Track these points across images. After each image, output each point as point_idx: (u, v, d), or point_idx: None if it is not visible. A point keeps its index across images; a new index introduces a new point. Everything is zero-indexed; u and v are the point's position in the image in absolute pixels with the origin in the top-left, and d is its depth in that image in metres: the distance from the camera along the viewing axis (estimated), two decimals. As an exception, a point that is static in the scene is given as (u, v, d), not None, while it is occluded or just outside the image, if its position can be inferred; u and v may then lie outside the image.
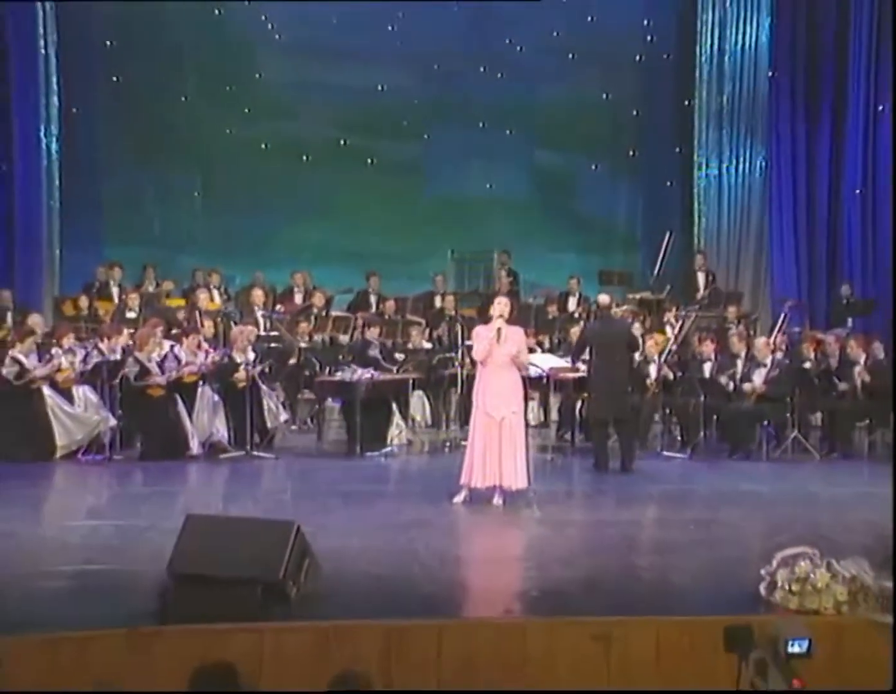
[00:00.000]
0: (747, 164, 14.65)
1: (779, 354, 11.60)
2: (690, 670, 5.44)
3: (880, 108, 13.42)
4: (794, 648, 4.47)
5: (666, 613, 6.01)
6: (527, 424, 11.73)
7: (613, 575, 7.04)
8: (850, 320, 13.06)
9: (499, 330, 8.43)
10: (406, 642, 5.67)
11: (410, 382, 11.41)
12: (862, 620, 6.02)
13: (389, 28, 14.84)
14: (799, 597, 6.06)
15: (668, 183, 15.26)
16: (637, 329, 11.52)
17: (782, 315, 12.05)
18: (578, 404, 11.50)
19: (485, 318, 10.33)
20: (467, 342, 11.00)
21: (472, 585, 6.99)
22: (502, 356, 8.46)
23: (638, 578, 6.95)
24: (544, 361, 10.99)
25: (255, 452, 10.58)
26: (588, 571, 7.11)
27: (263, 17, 14.78)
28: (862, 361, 11.15)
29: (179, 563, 5.90)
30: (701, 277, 13.78)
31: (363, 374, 10.81)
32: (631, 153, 15.42)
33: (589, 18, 14.99)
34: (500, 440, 8.44)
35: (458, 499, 8.53)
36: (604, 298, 11.62)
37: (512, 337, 8.55)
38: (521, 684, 5.67)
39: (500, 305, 8.67)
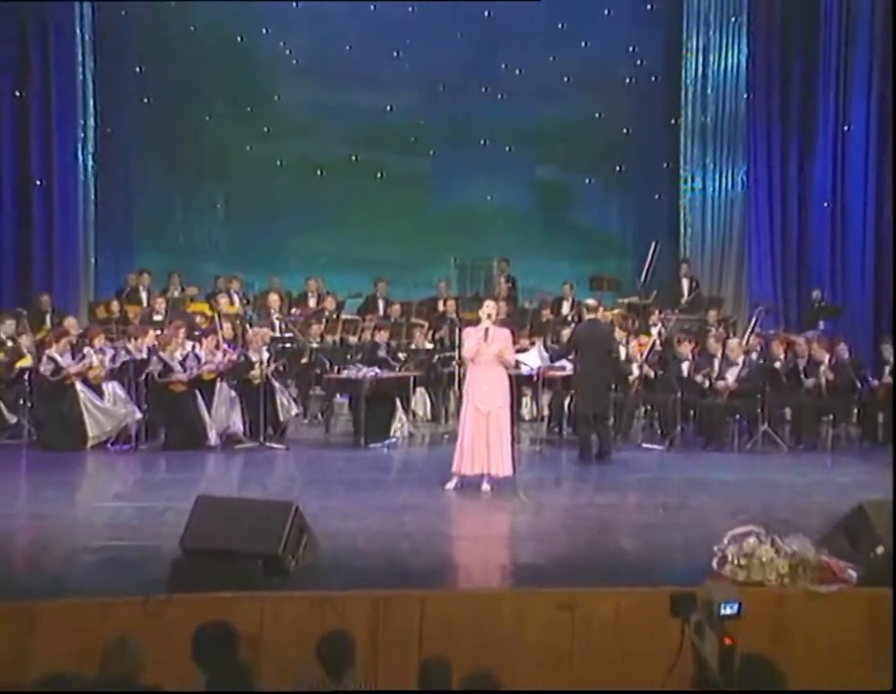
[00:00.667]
0: (729, 179, 14.64)
1: (753, 355, 11.58)
2: (644, 635, 5.61)
3: (845, 128, 13.44)
4: (727, 610, 4.63)
5: (627, 585, 6.16)
6: (521, 419, 12.02)
7: (582, 552, 7.25)
8: (821, 323, 12.99)
9: (486, 330, 8.60)
10: (391, 610, 5.85)
11: (412, 379, 11.44)
12: (801, 590, 6.18)
13: (397, 53, 14.87)
14: (746, 570, 6.23)
15: (657, 196, 15.29)
16: (617, 332, 11.43)
17: (753, 318, 12.16)
18: (567, 400, 11.43)
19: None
20: (465, 343, 11.19)
21: (455, 560, 7.16)
22: (489, 355, 8.58)
23: (604, 555, 7.11)
24: (534, 360, 10.98)
25: (268, 443, 10.67)
26: (560, 548, 7.34)
27: (282, 44, 14.77)
28: (826, 360, 11.12)
29: (190, 539, 6.11)
30: (685, 284, 13.77)
31: (367, 372, 10.88)
32: (622, 168, 15.34)
33: (583, 44, 14.93)
34: (487, 431, 8.54)
35: (450, 485, 8.67)
36: (590, 303, 11.68)
37: (498, 337, 8.66)
38: (494, 649, 5.79)
39: (488, 308, 8.83)
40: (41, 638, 5.37)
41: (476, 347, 8.58)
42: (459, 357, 11.26)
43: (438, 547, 7.17)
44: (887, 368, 11.24)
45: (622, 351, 11.36)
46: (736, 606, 4.73)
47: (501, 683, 4.71)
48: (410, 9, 14.71)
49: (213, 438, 10.59)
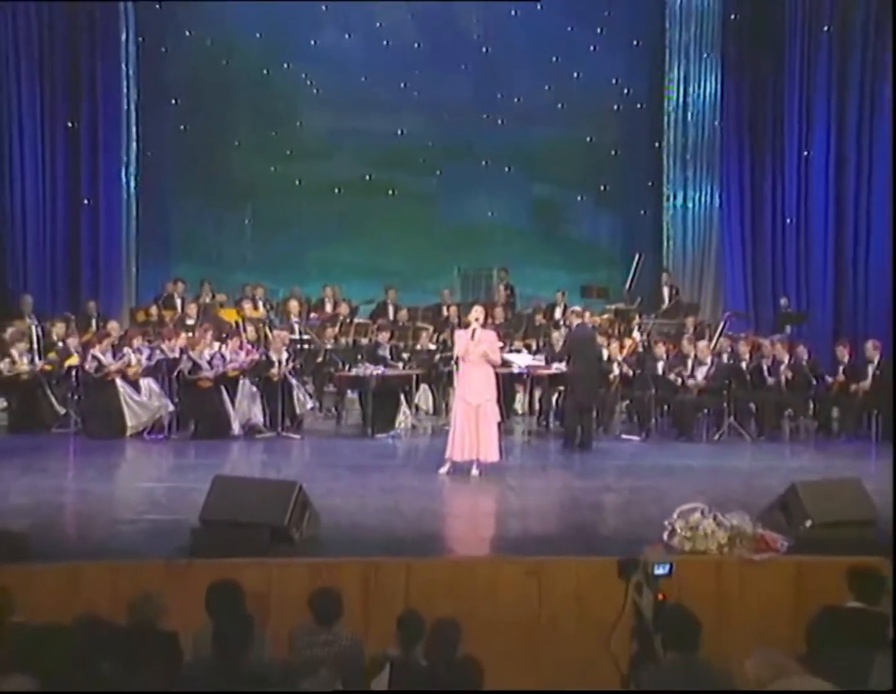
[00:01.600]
0: (707, 197, 14.62)
1: (724, 356, 11.60)
2: (598, 595, 5.75)
3: (806, 153, 13.47)
4: (660, 571, 4.97)
5: (587, 554, 6.37)
6: (515, 412, 12.15)
7: (552, 527, 7.52)
8: (787, 328, 12.95)
9: (473, 332, 8.72)
10: (380, 575, 6.09)
11: (415, 376, 11.42)
12: (738, 558, 6.40)
13: (405, 84, 14.80)
14: (691, 541, 6.44)
15: (642, 212, 15.21)
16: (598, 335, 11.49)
17: (722, 323, 12.26)
18: (554, 396, 11.58)
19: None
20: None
21: (440, 533, 7.37)
22: (477, 354, 8.71)
23: (571, 529, 7.34)
24: (523, 361, 11.09)
25: (285, 434, 10.74)
26: (534, 523, 7.61)
27: (303, 76, 14.70)
28: (786, 361, 11.21)
29: (207, 512, 6.34)
30: (666, 291, 13.74)
31: (373, 370, 10.92)
32: (607, 187, 15.26)
33: (575, 75, 14.91)
34: (476, 422, 8.67)
35: (443, 470, 8.80)
36: (576, 309, 11.97)
37: (484, 338, 8.80)
38: (470, 608, 5.86)
39: (476, 313, 8.95)
40: (84, 592, 5.63)
41: (465, 346, 8.74)
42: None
43: (426, 522, 7.37)
44: (841, 368, 11.27)
45: (604, 352, 11.36)
46: (667, 567, 5.06)
47: (464, 629, 4.82)
48: (416, 45, 14.74)
49: (236, 428, 10.66)
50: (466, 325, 9.08)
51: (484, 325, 9.06)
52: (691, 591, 6.10)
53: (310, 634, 4.80)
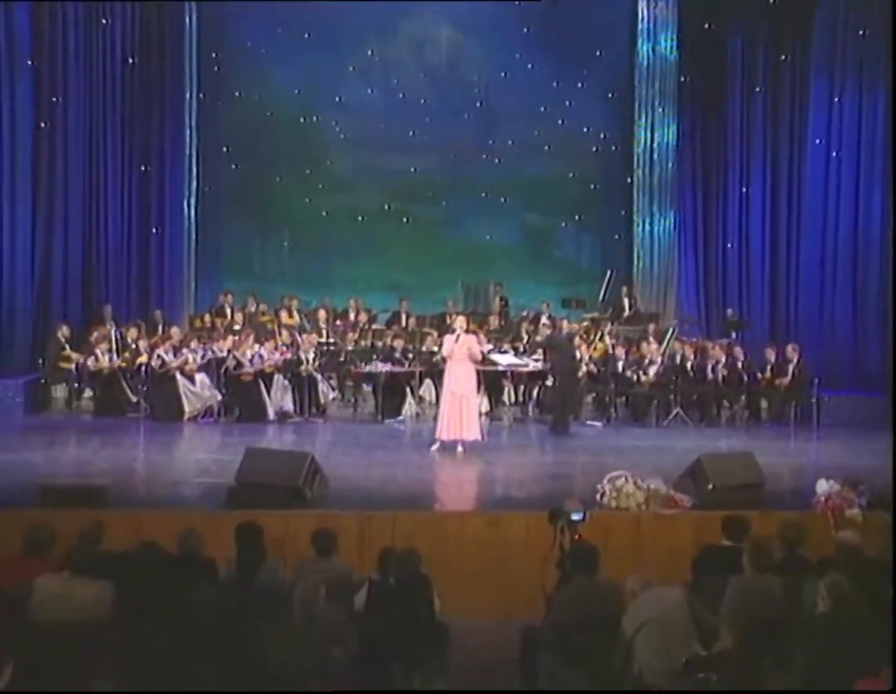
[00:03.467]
0: (668, 224, 14.60)
1: (678, 357, 11.75)
2: (539, 538, 5.91)
3: (745, 189, 13.58)
4: (575, 517, 5.52)
5: (534, 509, 6.75)
6: (503, 403, 12.19)
7: (515, 490, 8.03)
8: (733, 334, 12.86)
9: (458, 336, 9.16)
10: (372, 524, 6.71)
11: (419, 373, 11.46)
12: (652, 513, 7.01)
13: (413, 133, 14.71)
14: (616, 500, 7.09)
15: (616, 236, 15.07)
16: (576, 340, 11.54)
17: (671, 330, 12.39)
18: (535, 390, 11.79)
19: (472, 329, 10.99)
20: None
21: (423, 494, 7.80)
22: (461, 353, 9.15)
23: (526, 491, 7.90)
24: (505, 360, 11.30)
25: (311, 419, 10.99)
26: (500, 487, 8.18)
27: (333, 123, 14.56)
28: (724, 360, 11.53)
29: (241, 475, 6.96)
30: (626, 302, 13.71)
31: (383, 367, 11.15)
32: (589, 215, 15.15)
33: (560, 122, 14.79)
34: (460, 409, 9.12)
35: (434, 447, 9.25)
36: (546, 321, 12.38)
37: (467, 341, 9.20)
38: (441, 551, 6.45)
39: (460, 321, 9.45)
40: (147, 531, 6.09)
41: (451, 348, 9.17)
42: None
43: (414, 486, 7.92)
44: (769, 367, 11.56)
45: (577, 353, 11.48)
46: (581, 515, 5.60)
47: (436, 564, 5.47)
48: (423, 100, 14.75)
49: (271, 414, 10.90)
50: (453, 331, 9.43)
51: (467, 331, 9.46)
52: (616, 538, 6.74)
53: (312, 563, 5.38)
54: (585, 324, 13.16)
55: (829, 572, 4.82)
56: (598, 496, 7.16)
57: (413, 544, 5.72)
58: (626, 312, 13.60)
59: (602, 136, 15.08)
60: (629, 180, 14.91)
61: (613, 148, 15.06)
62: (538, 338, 12.17)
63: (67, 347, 11.60)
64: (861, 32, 12.26)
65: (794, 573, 5.29)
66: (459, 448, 9.18)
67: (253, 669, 3.91)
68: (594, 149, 15.09)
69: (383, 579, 5.23)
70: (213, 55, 14.08)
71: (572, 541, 5.48)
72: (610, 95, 14.99)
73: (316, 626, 4.44)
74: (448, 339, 9.36)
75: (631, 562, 6.27)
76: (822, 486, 7.18)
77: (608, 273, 13.94)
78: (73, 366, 11.52)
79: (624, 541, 6.71)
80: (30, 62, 11.68)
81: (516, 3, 14.48)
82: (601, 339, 12.64)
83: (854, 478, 7.25)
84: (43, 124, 12.09)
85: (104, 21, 12.55)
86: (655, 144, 14.61)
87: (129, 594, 4.54)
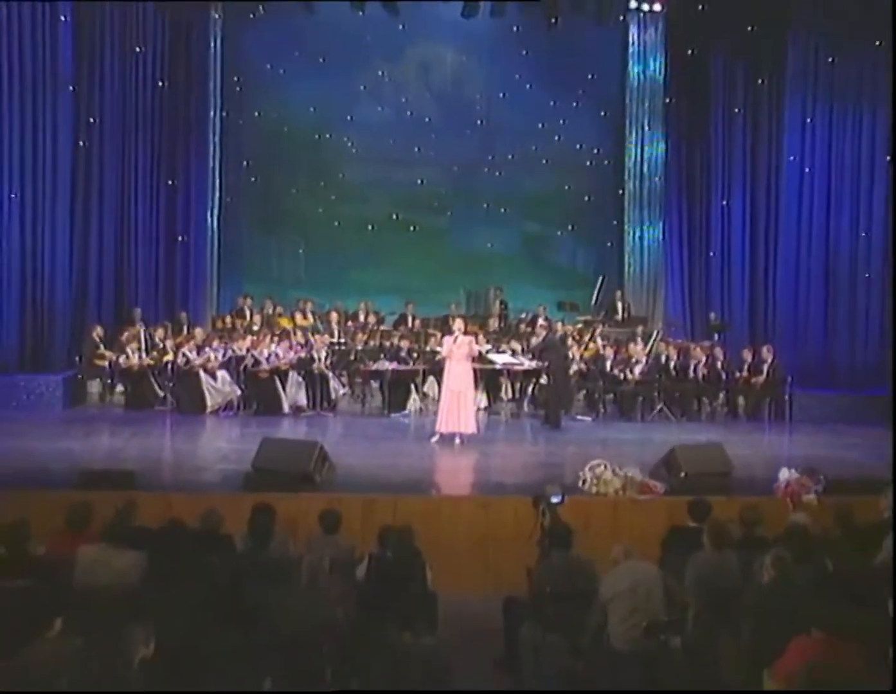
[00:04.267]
0: (657, 233, 14.66)
1: (663, 357, 11.88)
2: (526, 522, 6.19)
3: (725, 202, 13.78)
4: (554, 500, 5.84)
5: (521, 495, 6.86)
6: (501, 399, 12.18)
7: (506, 477, 8.24)
8: (716, 335, 12.98)
9: (456, 337, 9.41)
10: (375, 506, 6.94)
11: (422, 370, 11.52)
12: (628, 498, 7.25)
13: (419, 149, 14.82)
14: (596, 486, 7.34)
15: (608, 244, 15.15)
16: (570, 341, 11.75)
17: (655, 332, 12.56)
18: (530, 387, 11.96)
19: (472, 331, 11.33)
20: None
21: (422, 480, 8.01)
22: (459, 353, 9.39)
23: (518, 478, 8.08)
24: (501, 359, 11.38)
25: (322, 412, 11.12)
26: (493, 475, 8.35)
27: (345, 139, 14.67)
28: (704, 360, 11.66)
29: (257, 461, 7.24)
30: (620, 306, 13.86)
31: (388, 365, 11.33)
32: (583, 224, 15.25)
33: (556, 138, 14.90)
34: (458, 405, 9.35)
35: (434, 439, 9.46)
36: (542, 323, 12.54)
37: (464, 342, 9.44)
38: (436, 533, 6.67)
39: (458, 322, 9.79)
40: (173, 511, 6.31)
41: (449, 348, 9.42)
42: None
43: (414, 473, 8.14)
44: (746, 366, 11.77)
45: (570, 353, 11.67)
46: (560, 498, 5.92)
47: (431, 543, 5.76)
48: (428, 118, 14.84)
49: (286, 408, 11.03)
50: (452, 333, 9.68)
51: (465, 333, 9.73)
52: (595, 521, 7.00)
53: (319, 540, 5.65)
54: (579, 326, 13.34)
55: (775, 548, 5.14)
56: (580, 483, 7.41)
57: (411, 525, 5.87)
58: (619, 316, 13.77)
59: (595, 151, 15.23)
60: (620, 192, 15.05)
61: (606, 162, 15.18)
62: (534, 339, 12.24)
63: (101, 346, 11.81)
64: (830, 60, 12.65)
65: (750, 550, 5.61)
66: (457, 440, 9.38)
67: (265, 626, 4.25)
68: (588, 163, 15.22)
69: (381, 553, 5.56)
70: (236, 78, 14.35)
71: (552, 521, 5.79)
72: (602, 114, 15.14)
73: (320, 592, 4.78)
74: (447, 341, 9.58)
75: (609, 542, 6.20)
76: (784, 474, 7.47)
77: (600, 279, 14.03)
78: (107, 363, 11.72)
79: (603, 523, 6.98)
80: (71, 87, 12.02)
81: (515, 29, 14.74)
82: (593, 340, 12.76)
83: (812, 467, 7.52)
84: (81, 143, 12.34)
85: (137, 49, 12.86)
86: (645, 159, 14.81)
87: (159, 563, 4.88)
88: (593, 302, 13.95)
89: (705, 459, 7.76)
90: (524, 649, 5.27)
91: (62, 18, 11.70)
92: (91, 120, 12.56)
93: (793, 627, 4.39)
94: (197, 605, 4.45)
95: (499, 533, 6.94)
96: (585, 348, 12.44)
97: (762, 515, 6.12)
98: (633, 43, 14.83)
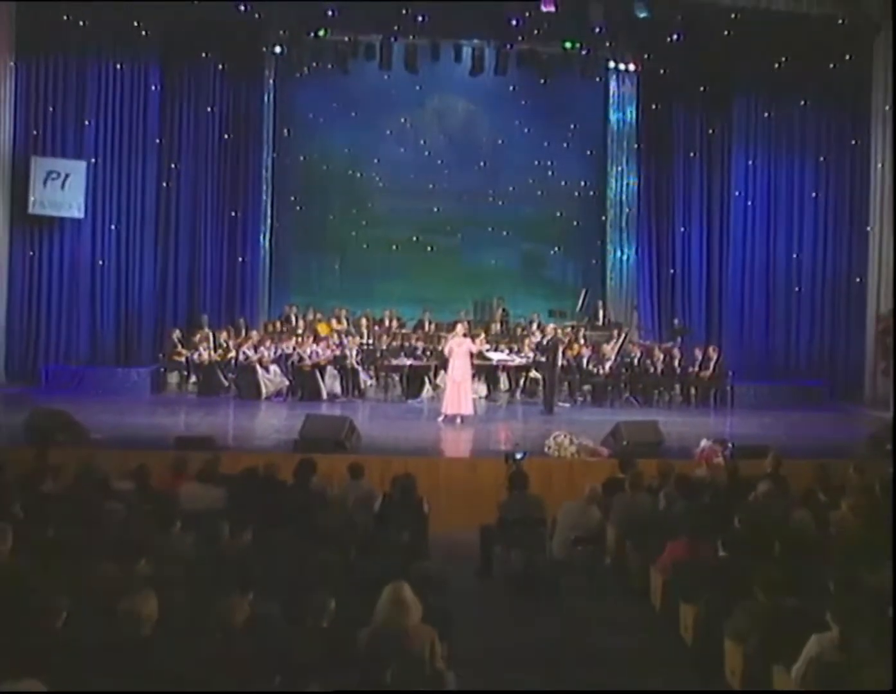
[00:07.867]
0: (632, 252, 15.12)
1: (634, 355, 12.84)
2: (501, 475, 7.40)
3: (683, 229, 14.57)
4: (518, 456, 7.24)
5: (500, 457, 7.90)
6: (499, 390, 13.20)
7: (491, 445, 9.41)
8: (679, 338, 13.63)
9: (456, 338, 10.60)
10: (391, 464, 7.99)
11: (434, 366, 12.29)
12: (580, 460, 8.38)
13: (433, 185, 15.31)
14: (557, 451, 8.50)
15: (593, 261, 15.53)
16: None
17: (623, 335, 13.47)
18: (522, 380, 12.89)
19: (473, 334, 12.16)
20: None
21: (428, 448, 9.13)
22: (460, 351, 10.45)
23: (502, 447, 9.17)
24: (496, 356, 12.41)
25: (353, 399, 11.84)
26: (481, 445, 9.46)
27: (374, 174, 15.17)
28: (662, 358, 12.58)
29: (302, 432, 8.40)
30: (601, 313, 14.46)
31: (406, 361, 12.15)
32: (573, 245, 15.64)
33: (550, 173, 15.33)
34: (458, 392, 10.44)
35: (440, 419, 10.46)
36: (546, 326, 13.36)
37: (464, 342, 10.53)
38: (435, 484, 7.73)
39: (459, 327, 10.74)
40: (244, 465, 7.11)
41: (451, 347, 10.51)
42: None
43: (422, 443, 9.27)
44: (697, 363, 12.81)
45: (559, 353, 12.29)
46: (522, 454, 7.28)
47: (430, 492, 6.91)
48: (441, 160, 15.28)
49: (324, 395, 11.75)
50: (454, 336, 10.73)
51: (465, 336, 10.83)
52: (556, 477, 8.18)
53: (347, 483, 6.90)
54: (567, 330, 14.11)
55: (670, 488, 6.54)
56: (545, 449, 8.67)
57: (414, 475, 6.87)
58: (600, 321, 14.40)
59: (582, 184, 15.66)
60: (603, 219, 15.56)
61: (591, 194, 15.62)
62: (534, 338, 12.95)
63: (179, 345, 12.69)
64: (766, 115, 13.86)
65: (658, 493, 6.99)
66: (458, 420, 10.40)
67: (311, 532, 5.71)
68: (576, 194, 15.66)
69: (392, 493, 6.97)
70: (285, 128, 15.01)
71: (516, 472, 7.16)
72: (588, 153, 15.63)
73: (348, 513, 6.24)
74: (449, 340, 10.79)
75: (566, 492, 7.59)
76: (703, 443, 8.73)
77: (584, 290, 14.56)
78: (183, 359, 12.58)
79: (562, 478, 8.19)
80: (157, 140, 13.70)
81: (511, 88, 15.67)
82: (576, 341, 13.41)
83: (723, 438, 8.76)
84: (165, 184, 13.73)
85: (209, 109, 14.28)
86: (623, 191, 15.32)
87: (236, 498, 6.29)
88: (578, 309, 14.51)
89: (642, 432, 8.87)
90: (495, 562, 6.65)
91: (152, 87, 13.47)
92: (172, 166, 13.86)
93: (672, 537, 5.83)
94: (262, 525, 5.84)
95: (481, 484, 8.09)
96: (570, 348, 13.42)
97: (674, 469, 7.43)
98: (612, 95, 15.52)
